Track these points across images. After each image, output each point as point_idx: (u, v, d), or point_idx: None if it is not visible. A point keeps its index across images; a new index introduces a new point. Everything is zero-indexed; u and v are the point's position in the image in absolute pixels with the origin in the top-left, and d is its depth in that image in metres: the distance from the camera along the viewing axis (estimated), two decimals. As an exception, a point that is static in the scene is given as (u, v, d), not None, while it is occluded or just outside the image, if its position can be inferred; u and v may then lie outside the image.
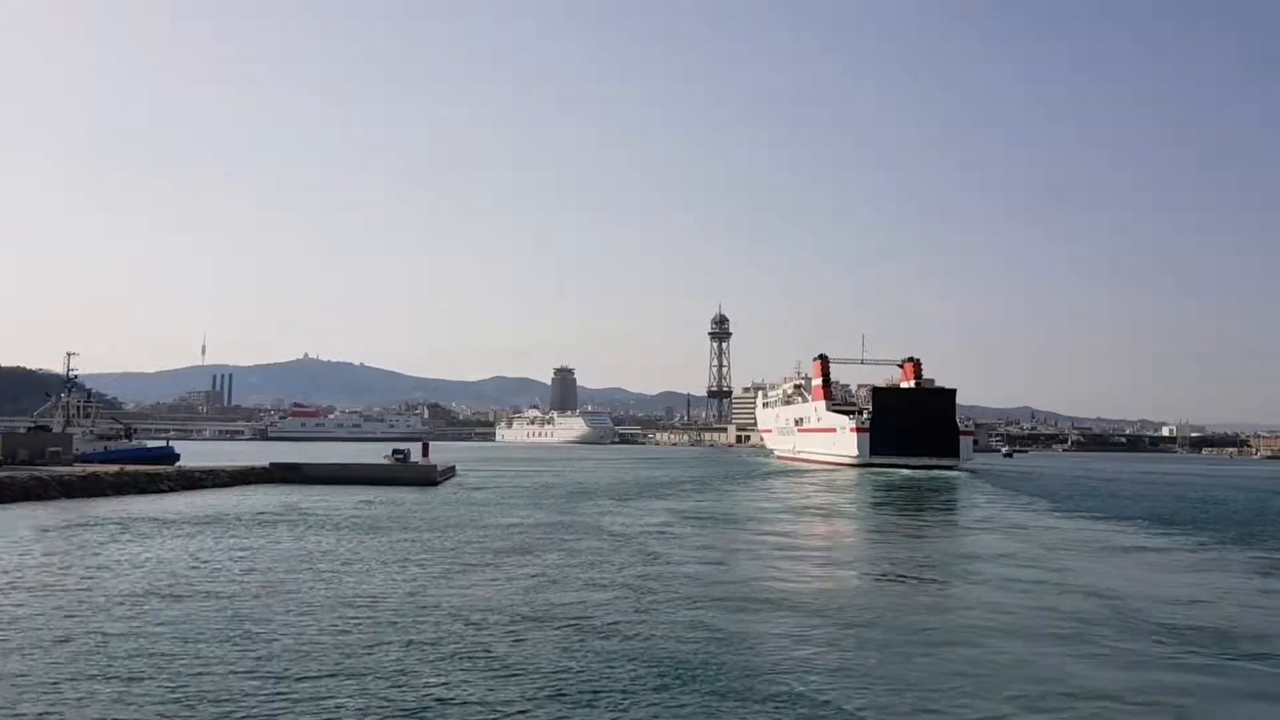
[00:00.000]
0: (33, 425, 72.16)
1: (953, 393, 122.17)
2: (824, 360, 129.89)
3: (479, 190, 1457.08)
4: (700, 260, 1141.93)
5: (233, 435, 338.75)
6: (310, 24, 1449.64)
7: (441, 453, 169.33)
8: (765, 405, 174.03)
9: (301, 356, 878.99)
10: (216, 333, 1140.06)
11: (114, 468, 55.50)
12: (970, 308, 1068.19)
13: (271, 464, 65.83)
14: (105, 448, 70.32)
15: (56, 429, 68.71)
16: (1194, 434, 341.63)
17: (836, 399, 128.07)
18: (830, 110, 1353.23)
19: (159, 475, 54.63)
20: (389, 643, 16.79)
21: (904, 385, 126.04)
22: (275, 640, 16.84)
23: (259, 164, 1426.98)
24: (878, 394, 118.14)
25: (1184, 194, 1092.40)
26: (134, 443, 75.59)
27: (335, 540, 31.70)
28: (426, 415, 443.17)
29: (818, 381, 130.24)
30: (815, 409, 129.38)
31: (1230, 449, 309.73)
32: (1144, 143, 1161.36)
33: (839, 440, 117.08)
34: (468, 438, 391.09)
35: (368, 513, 41.77)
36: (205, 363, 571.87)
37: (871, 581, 25.53)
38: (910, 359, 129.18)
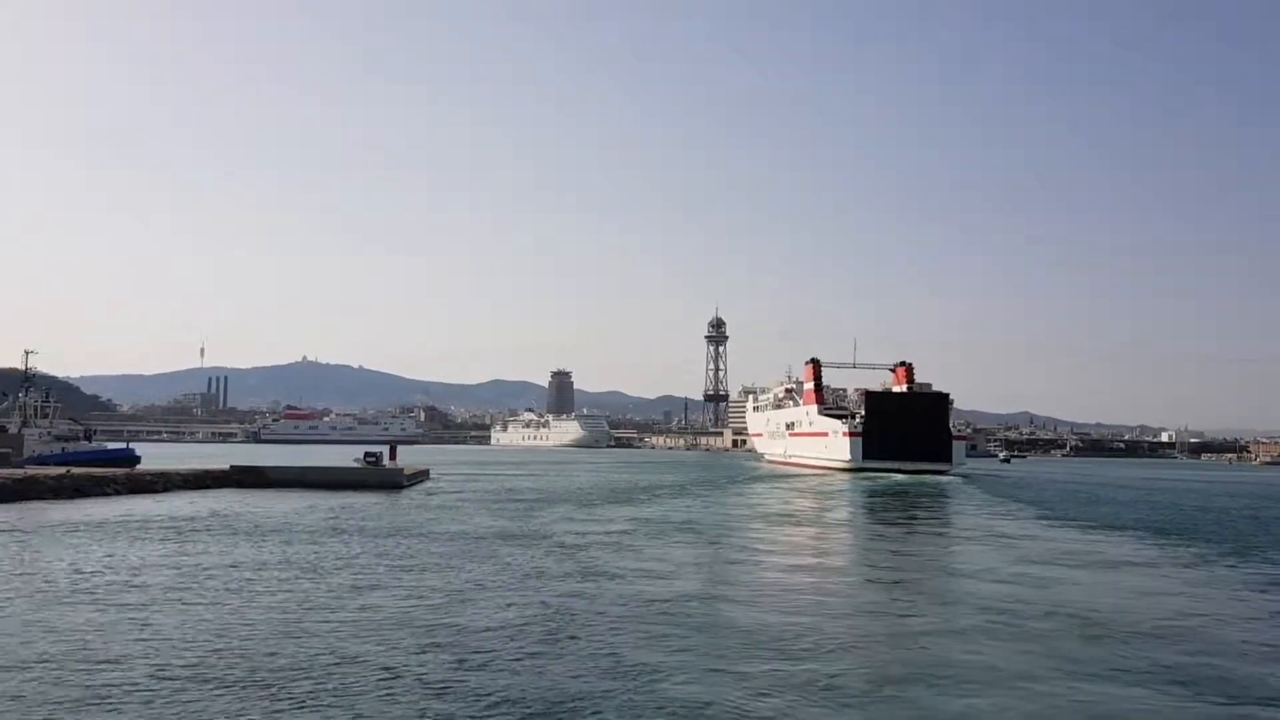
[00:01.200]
0: (-13, 426, 69.73)
1: (946, 397, 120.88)
2: (816, 364, 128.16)
3: (478, 191, 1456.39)
4: (699, 263, 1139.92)
5: (226, 438, 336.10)
6: (309, 24, 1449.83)
7: (433, 456, 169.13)
8: (756, 409, 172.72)
9: (300, 359, 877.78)
10: (215, 335, 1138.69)
11: (59, 470, 53.11)
12: (969, 312, 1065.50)
13: (232, 467, 63.35)
14: (63, 449, 68.00)
15: (13, 430, 66.51)
16: (1193, 439, 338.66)
17: (828, 403, 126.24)
18: (827, 112, 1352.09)
19: (106, 479, 52.18)
20: (211, 682, 14.26)
21: (896, 389, 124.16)
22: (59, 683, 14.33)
23: (257, 164, 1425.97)
24: (870, 398, 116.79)
25: (1185, 196, 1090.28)
26: (94, 444, 73.12)
27: (251, 551, 29.14)
28: (422, 418, 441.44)
29: (809, 385, 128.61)
30: (807, 413, 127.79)
31: (1229, 455, 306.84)
32: (1144, 144, 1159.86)
33: (831, 444, 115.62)
34: (463, 441, 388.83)
35: (309, 519, 39.28)
36: (204, 365, 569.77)
37: (827, 602, 22.70)
38: (903, 363, 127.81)
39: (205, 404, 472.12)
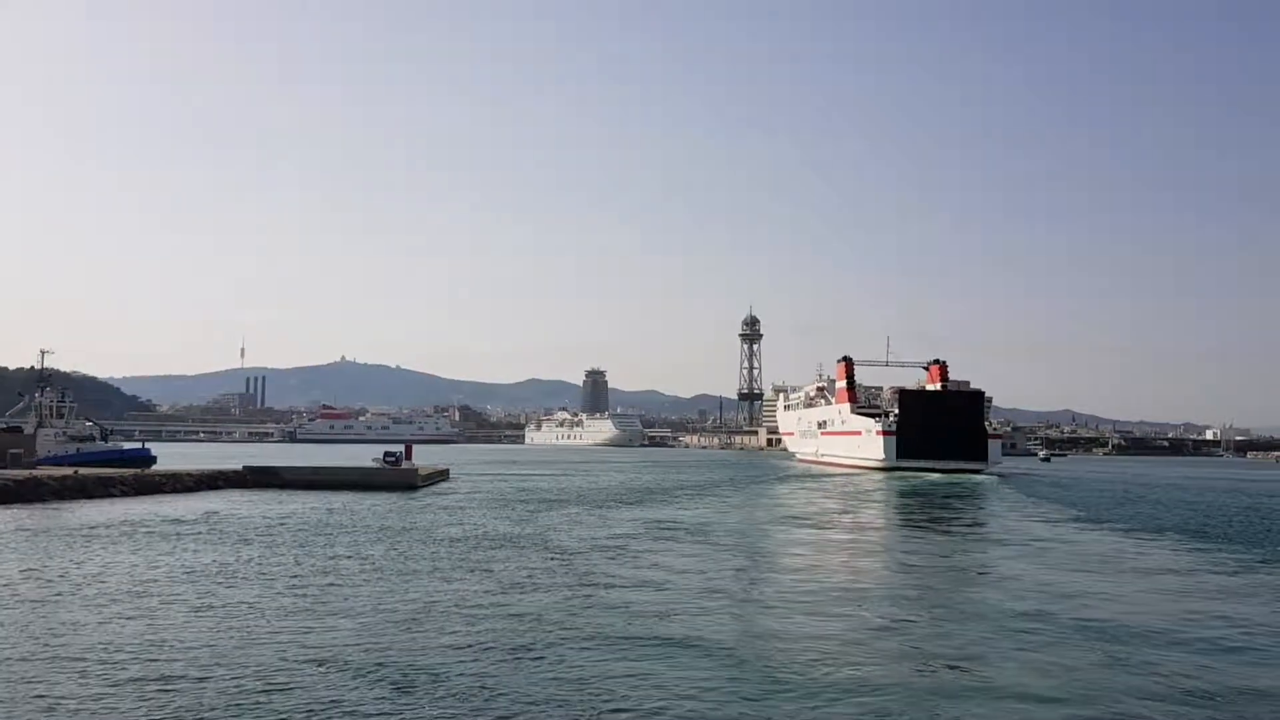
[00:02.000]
0: (4, 427, 69.33)
1: (981, 395, 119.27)
2: (848, 362, 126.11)
3: (517, 192, 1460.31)
4: (735, 262, 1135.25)
5: (262, 437, 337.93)
6: (352, 25, 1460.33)
7: (462, 455, 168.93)
8: (787, 408, 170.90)
9: (339, 360, 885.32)
10: (256, 337, 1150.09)
11: (65, 471, 52.25)
12: (1011, 310, 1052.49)
13: (245, 467, 62.33)
14: (78, 449, 67.44)
15: (28, 430, 66.04)
16: (1239, 437, 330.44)
17: (861, 402, 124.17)
18: (864, 111, 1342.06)
19: (112, 480, 51.21)
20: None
21: (930, 388, 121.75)
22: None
23: (298, 166, 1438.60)
24: (905, 396, 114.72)
25: (1230, 193, 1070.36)
26: (110, 445, 72.47)
27: (230, 556, 27.69)
28: (457, 417, 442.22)
29: (842, 384, 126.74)
30: (839, 411, 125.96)
31: (1276, 453, 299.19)
32: (1185, 142, 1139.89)
33: (864, 443, 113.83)
34: (498, 440, 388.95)
35: (305, 522, 37.84)
36: (245, 366, 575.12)
37: (830, 618, 20.68)
38: (936, 361, 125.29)
39: (243, 404, 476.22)
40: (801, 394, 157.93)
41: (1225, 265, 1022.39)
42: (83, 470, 53.23)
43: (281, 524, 37.02)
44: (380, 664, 15.41)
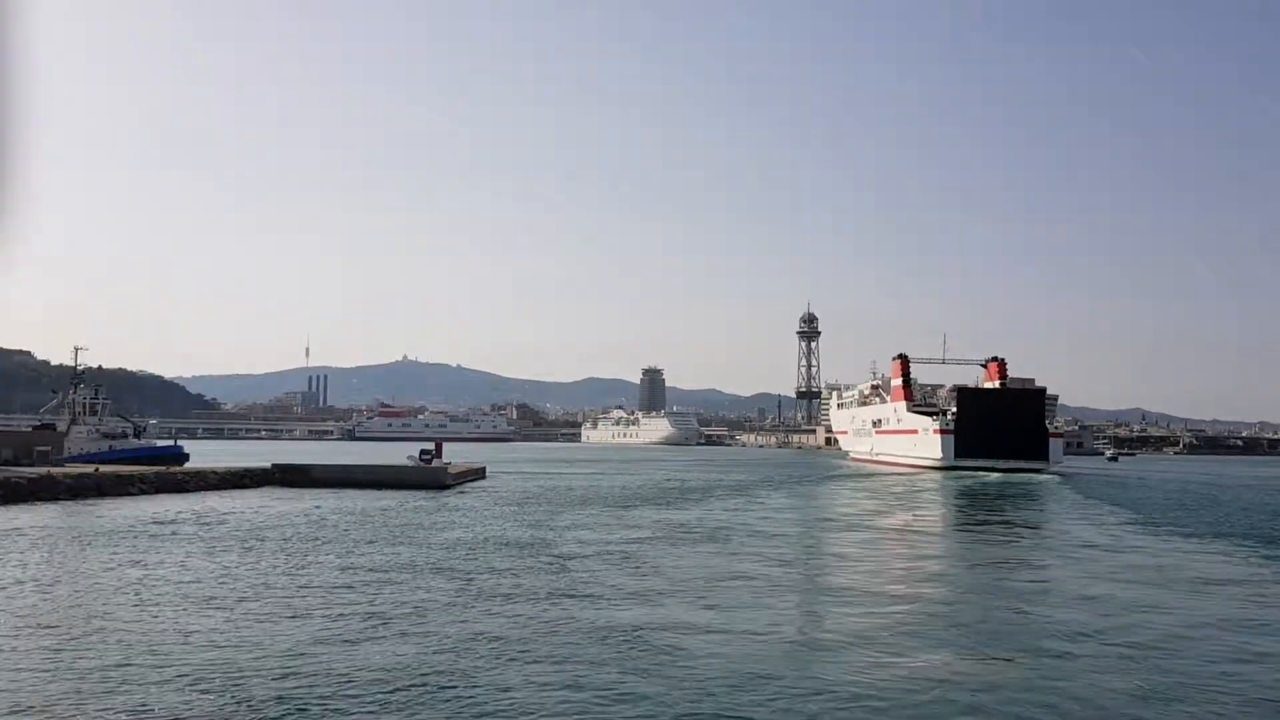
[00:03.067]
0: (38, 424, 69.27)
1: (1043, 393, 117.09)
2: (904, 360, 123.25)
3: (574, 191, 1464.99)
4: (795, 259, 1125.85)
5: (322, 435, 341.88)
6: (416, 25, 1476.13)
7: (515, 453, 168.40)
8: (840, 406, 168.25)
9: (401, 358, 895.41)
10: (321, 336, 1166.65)
11: (85, 469, 51.54)
12: (1082, 308, 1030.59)
13: (274, 465, 61.30)
14: (110, 447, 67.10)
15: (61, 427, 65.85)
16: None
17: (916, 400, 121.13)
18: (934, 106, 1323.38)
19: (132, 478, 50.28)
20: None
21: (988, 385, 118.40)
22: None
23: (361, 167, 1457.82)
24: (963, 394, 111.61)
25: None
26: (142, 442, 72.00)
27: (205, 561, 25.97)
28: (515, 415, 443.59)
29: (897, 382, 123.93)
30: (895, 410, 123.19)
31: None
32: (1249, 141, 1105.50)
33: (921, 442, 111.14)
34: (554, 438, 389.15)
35: (310, 522, 36.21)
36: (309, 365, 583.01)
37: (832, 637, 18.26)
38: (995, 358, 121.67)
39: (305, 402, 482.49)
40: (855, 392, 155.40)
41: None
42: (105, 468, 52.47)
43: (282, 525, 35.42)
44: (277, 697, 13.35)
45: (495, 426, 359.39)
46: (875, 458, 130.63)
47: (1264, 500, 64.67)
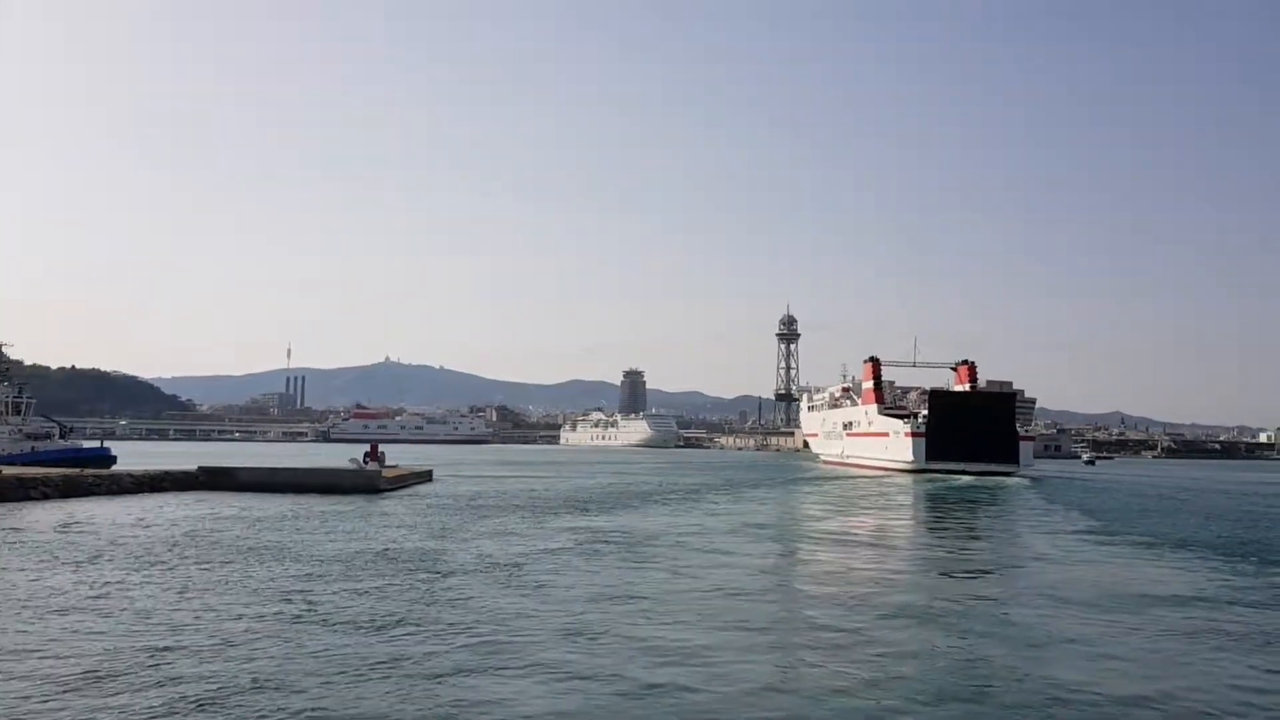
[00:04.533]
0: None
1: (1013, 396, 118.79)
2: (875, 363, 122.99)
3: (559, 193, 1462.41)
4: (774, 262, 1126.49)
5: (296, 437, 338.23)
6: (391, 26, 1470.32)
7: (488, 455, 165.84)
8: (811, 409, 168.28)
9: (383, 360, 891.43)
10: (302, 338, 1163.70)
11: (-8, 470, 48.82)
12: (1063, 312, 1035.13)
13: (200, 468, 58.59)
14: (33, 448, 64.26)
15: (-17, 428, 63.23)
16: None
17: (887, 402, 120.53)
18: (900, 116, 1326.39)
19: (35, 481, 47.22)
20: None
21: (959, 389, 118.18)
22: None
23: (340, 167, 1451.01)
24: (934, 397, 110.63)
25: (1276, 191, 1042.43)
26: (68, 444, 69.28)
27: (25, 576, 23.49)
28: (494, 417, 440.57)
29: (869, 384, 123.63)
30: (866, 412, 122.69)
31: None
32: (1232, 141, 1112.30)
33: (892, 445, 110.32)
34: (533, 441, 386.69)
35: (193, 528, 33.22)
36: (290, 366, 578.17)
37: (682, 670, 15.73)
38: (965, 361, 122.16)
39: (282, 404, 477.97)
40: (826, 395, 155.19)
41: (1276, 264, 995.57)
42: (9, 470, 49.57)
43: (154, 533, 32.29)
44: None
45: (473, 429, 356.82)
46: (846, 460, 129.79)
47: (1235, 507, 62.81)
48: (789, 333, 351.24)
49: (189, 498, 50.24)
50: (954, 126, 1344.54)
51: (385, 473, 60.27)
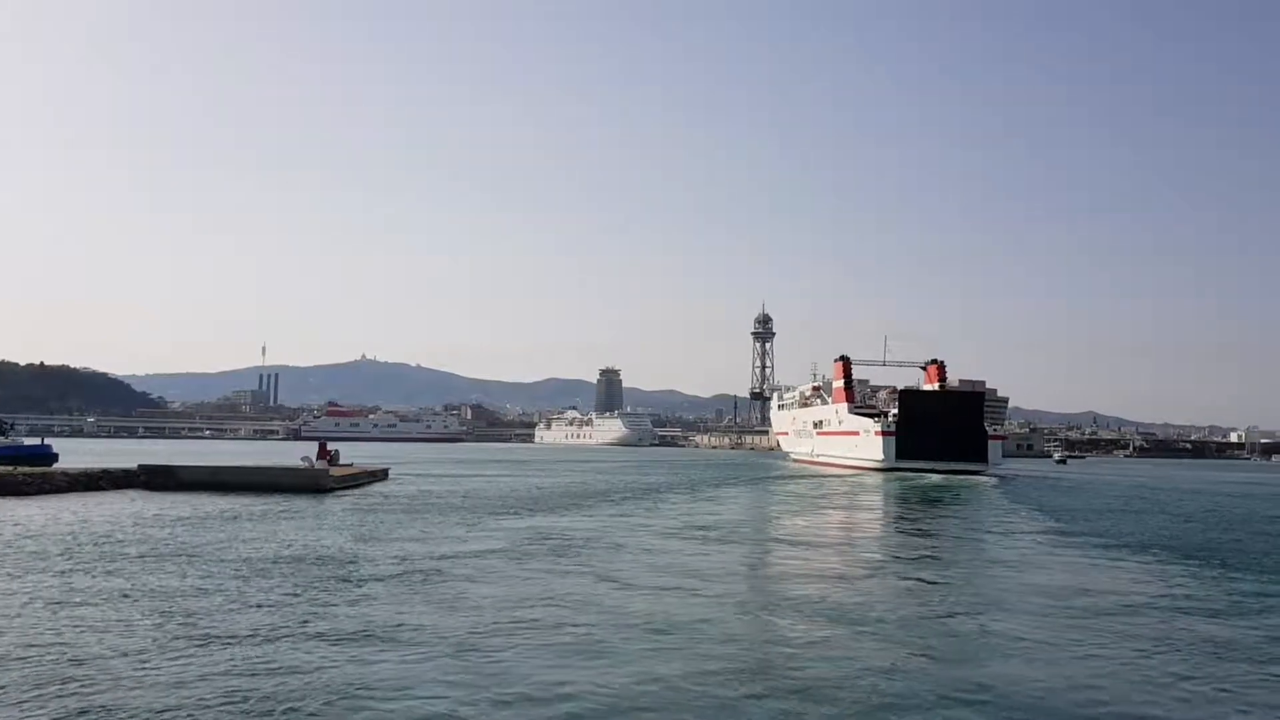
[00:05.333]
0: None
1: (981, 395, 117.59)
2: (846, 361, 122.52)
3: (537, 191, 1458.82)
4: (752, 261, 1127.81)
5: (266, 435, 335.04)
6: (351, 24, 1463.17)
7: (460, 454, 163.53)
8: (781, 407, 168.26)
9: (360, 358, 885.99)
10: (279, 335, 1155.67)
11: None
12: (1038, 312, 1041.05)
13: (140, 466, 56.60)
14: (-33, 445, 62.30)
15: (-85, 425, 61.10)
16: (1264, 440, 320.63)
17: (857, 401, 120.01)
18: (877, 115, 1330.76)
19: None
20: None
21: (928, 388, 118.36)
22: None
23: (320, 166, 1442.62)
24: (904, 396, 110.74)
25: (1255, 193, 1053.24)
26: (8, 440, 67.12)
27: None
28: (469, 416, 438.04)
29: (839, 383, 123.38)
30: (836, 411, 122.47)
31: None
32: (1207, 141, 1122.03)
33: (862, 443, 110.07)
34: (508, 439, 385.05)
35: (105, 530, 31.35)
36: (266, 364, 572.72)
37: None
38: (934, 361, 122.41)
39: (255, 402, 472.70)
40: (796, 394, 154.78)
41: (1248, 265, 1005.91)
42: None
43: (54, 537, 30.46)
44: None
45: (446, 427, 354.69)
46: (816, 459, 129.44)
47: (1200, 506, 62.08)
48: (764, 331, 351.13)
49: (124, 497, 48.41)
50: (934, 126, 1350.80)
51: (334, 471, 58.50)
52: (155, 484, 53.95)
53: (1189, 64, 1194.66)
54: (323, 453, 62.60)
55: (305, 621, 18.44)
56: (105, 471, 54.36)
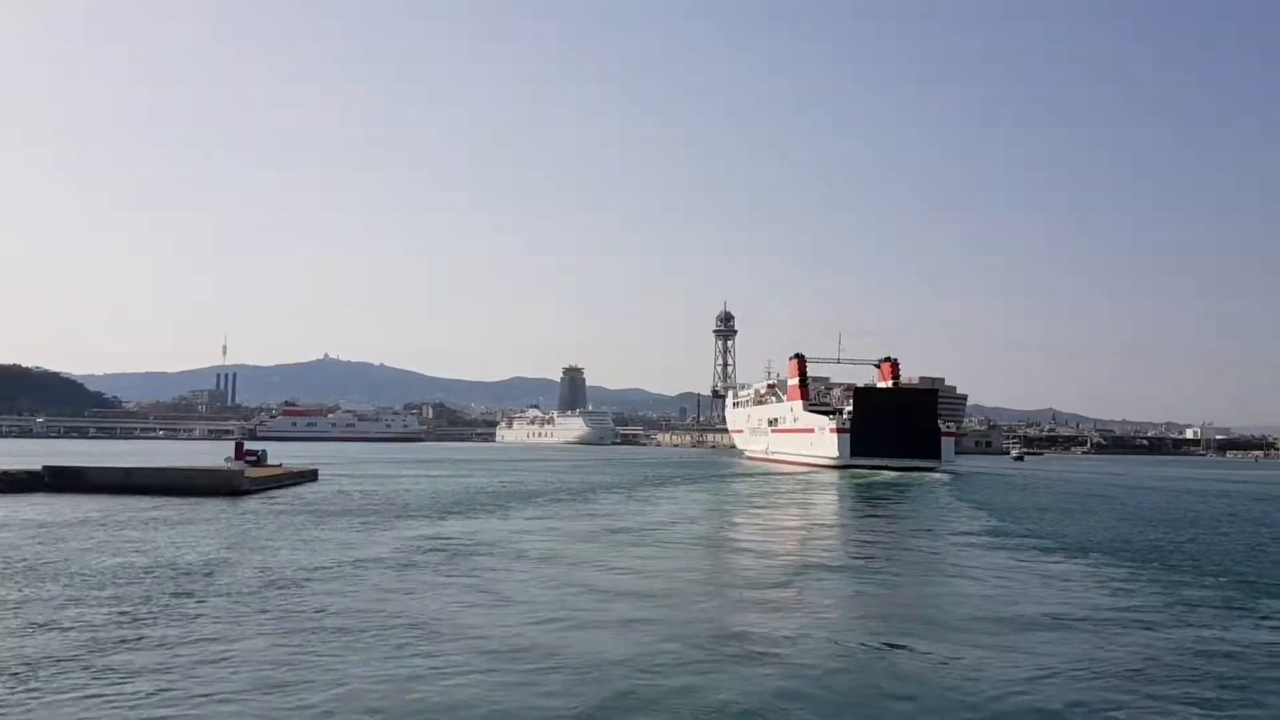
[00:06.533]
0: None
1: (934, 392, 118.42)
2: (800, 359, 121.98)
3: (500, 190, 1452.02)
4: (716, 259, 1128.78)
5: (221, 435, 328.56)
6: (320, 24, 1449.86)
7: (412, 454, 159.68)
8: (736, 405, 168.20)
9: (322, 357, 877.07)
10: (241, 334, 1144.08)
11: None
12: (997, 311, 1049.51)
13: (45, 468, 53.53)
14: None
15: None
16: (1219, 436, 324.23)
17: (812, 399, 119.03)
18: (841, 112, 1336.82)
19: None
20: None
21: (881, 385, 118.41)
22: None
23: (278, 165, 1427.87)
24: (859, 394, 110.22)
25: (1210, 194, 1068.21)
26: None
27: None
28: (430, 415, 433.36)
29: (794, 381, 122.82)
30: (791, 409, 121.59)
31: (1256, 451, 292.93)
32: (1165, 142, 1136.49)
33: (818, 441, 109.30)
34: (469, 438, 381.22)
35: None
36: (226, 363, 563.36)
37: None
38: (888, 358, 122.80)
39: (212, 401, 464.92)
40: (751, 391, 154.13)
41: (1206, 264, 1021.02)
42: None
43: None
44: None
45: (406, 426, 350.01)
46: (771, 456, 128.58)
47: (1149, 502, 60.82)
48: (726, 329, 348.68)
49: (21, 502, 45.48)
50: (912, 126, 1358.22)
51: (253, 473, 55.72)
52: (61, 486, 50.91)
53: (1144, 64, 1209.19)
54: (239, 453, 59.77)
55: (98, 650, 15.96)
56: (5, 473, 51.09)
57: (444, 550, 29.44)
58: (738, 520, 44.71)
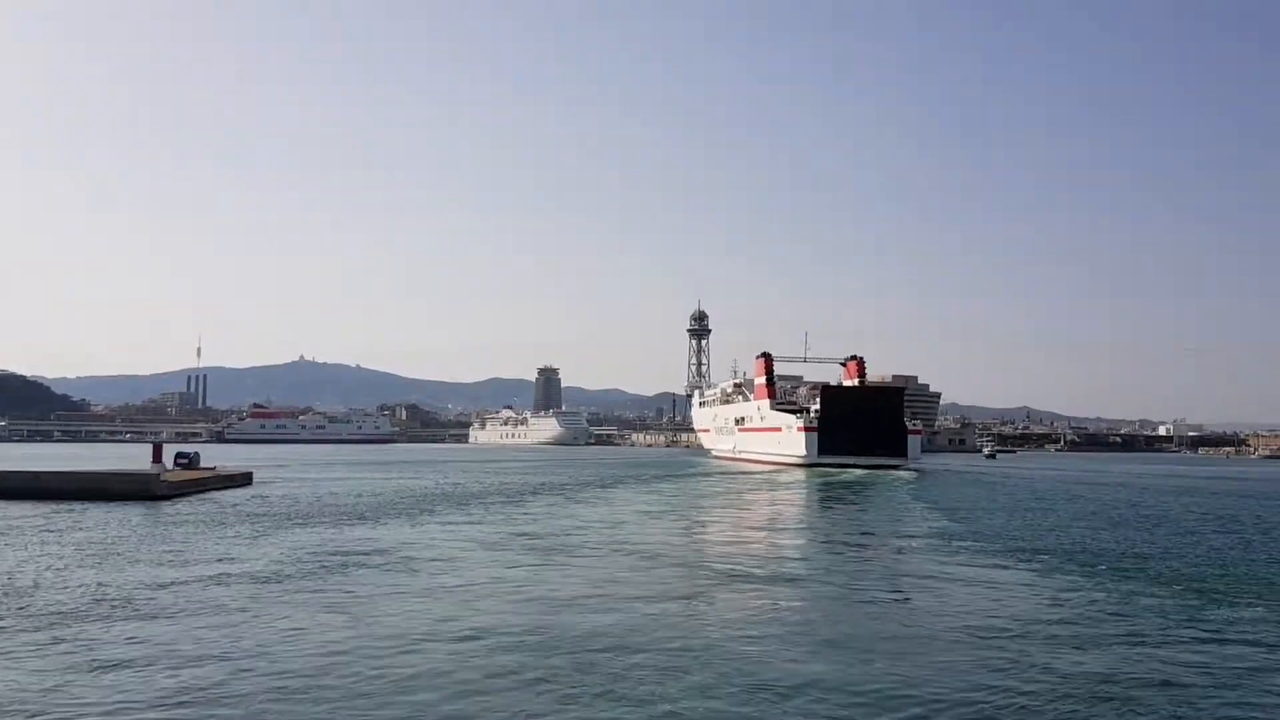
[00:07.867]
0: None
1: (901, 391, 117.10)
2: (767, 358, 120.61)
3: (477, 191, 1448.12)
4: (691, 259, 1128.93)
5: (189, 438, 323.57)
6: (306, 23, 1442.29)
7: (381, 456, 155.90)
8: (702, 405, 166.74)
9: (297, 359, 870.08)
10: (215, 336, 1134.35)
11: None
12: (971, 309, 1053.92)
13: (-50, 473, 50.86)
14: None
15: None
16: (1191, 433, 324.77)
17: (778, 398, 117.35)
18: (821, 111, 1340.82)
19: None
20: None
21: (847, 383, 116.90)
22: None
23: (256, 163, 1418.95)
24: (826, 392, 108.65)
25: (1181, 191, 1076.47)
26: None
27: None
28: (404, 416, 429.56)
29: (760, 380, 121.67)
30: (759, 408, 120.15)
31: (1228, 448, 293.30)
32: (1144, 141, 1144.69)
33: (785, 440, 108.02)
34: (443, 439, 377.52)
35: None
36: (200, 365, 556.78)
37: None
38: (853, 357, 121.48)
39: (183, 403, 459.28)
40: (717, 390, 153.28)
41: (1182, 264, 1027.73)
42: None
43: None
44: None
45: (378, 428, 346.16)
46: (738, 455, 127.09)
47: (1113, 499, 58.88)
48: (700, 329, 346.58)
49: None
50: (893, 125, 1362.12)
51: (170, 476, 52.84)
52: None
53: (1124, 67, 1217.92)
54: (156, 455, 56.82)
55: None
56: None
57: (334, 560, 26.88)
58: (670, 524, 42.10)
